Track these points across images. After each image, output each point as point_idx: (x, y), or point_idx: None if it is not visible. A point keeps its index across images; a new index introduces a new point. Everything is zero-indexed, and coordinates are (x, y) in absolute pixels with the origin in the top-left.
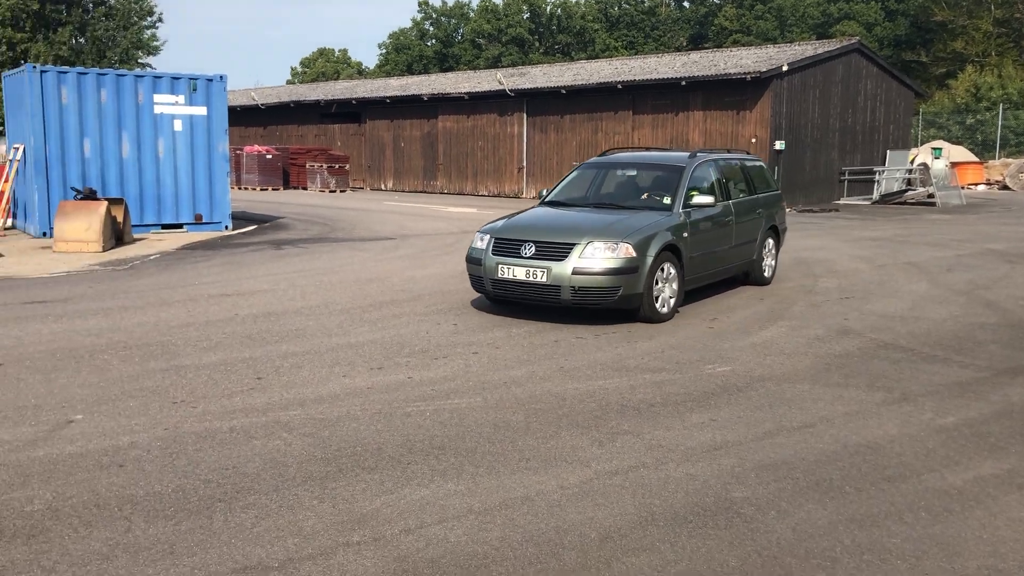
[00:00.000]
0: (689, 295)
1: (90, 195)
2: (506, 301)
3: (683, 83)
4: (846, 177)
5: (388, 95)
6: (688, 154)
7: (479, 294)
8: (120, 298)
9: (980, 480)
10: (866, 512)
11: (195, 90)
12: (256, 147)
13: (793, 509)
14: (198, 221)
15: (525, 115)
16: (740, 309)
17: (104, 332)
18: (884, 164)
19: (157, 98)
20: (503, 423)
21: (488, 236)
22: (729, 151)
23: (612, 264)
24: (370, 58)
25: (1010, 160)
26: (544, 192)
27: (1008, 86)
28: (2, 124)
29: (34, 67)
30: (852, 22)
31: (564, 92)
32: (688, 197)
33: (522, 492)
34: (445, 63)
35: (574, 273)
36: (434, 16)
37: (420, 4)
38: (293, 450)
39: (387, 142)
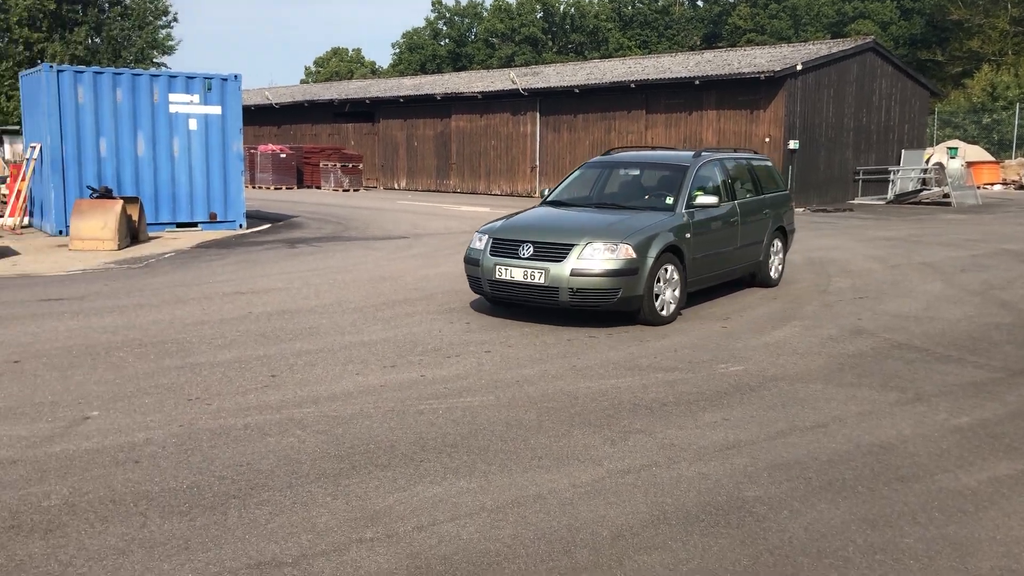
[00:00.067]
0: (700, 295)
1: (106, 194)
2: (504, 303)
3: (696, 82)
4: (860, 177)
5: (401, 94)
6: (692, 153)
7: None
8: (135, 296)
9: (994, 480)
10: (879, 512)
11: (210, 89)
12: (270, 146)
13: (805, 509)
14: (212, 220)
15: (538, 114)
16: (753, 309)
17: (120, 329)
18: (899, 164)
19: (172, 97)
20: (515, 421)
21: (486, 236)
22: (736, 150)
23: (611, 265)
24: (384, 58)
25: None
26: (546, 191)
27: None
28: (19, 123)
29: (51, 67)
30: (867, 21)
31: (577, 91)
32: (692, 197)
33: (534, 490)
34: (458, 63)
35: (572, 274)
36: (447, 16)
37: (434, 4)
38: (307, 447)
39: (400, 141)
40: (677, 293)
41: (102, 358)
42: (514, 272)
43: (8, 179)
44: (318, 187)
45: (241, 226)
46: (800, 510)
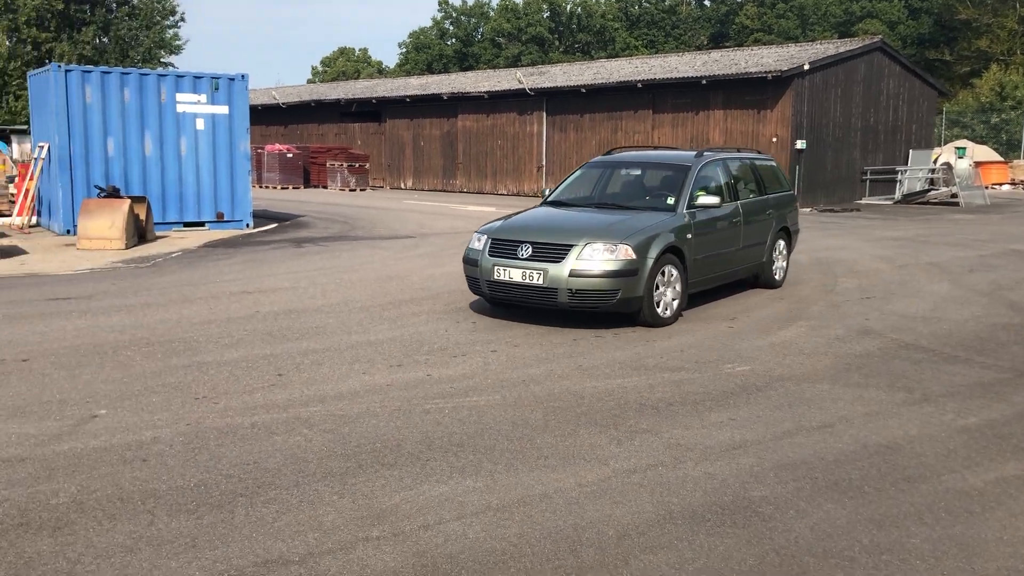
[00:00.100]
0: (705, 296)
1: (113, 193)
2: (503, 304)
3: (703, 82)
4: (868, 177)
5: (408, 94)
6: (694, 153)
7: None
8: (143, 295)
9: (1002, 481)
10: (885, 512)
11: (217, 89)
12: (277, 146)
13: (812, 509)
14: (219, 219)
15: (545, 114)
16: (759, 309)
17: (127, 328)
18: (906, 164)
19: (180, 97)
20: (521, 421)
21: (485, 237)
22: (739, 150)
23: (610, 266)
24: (390, 57)
25: None
26: (546, 191)
27: None
28: (27, 122)
29: (59, 66)
30: (875, 20)
31: (584, 91)
32: (693, 197)
33: (540, 489)
34: (465, 62)
35: (571, 275)
36: (454, 15)
37: (440, 3)
38: (313, 446)
39: (407, 141)
40: (678, 294)
41: (110, 357)
42: (512, 273)
43: (16, 178)
44: (325, 187)
45: (248, 225)
46: (806, 510)
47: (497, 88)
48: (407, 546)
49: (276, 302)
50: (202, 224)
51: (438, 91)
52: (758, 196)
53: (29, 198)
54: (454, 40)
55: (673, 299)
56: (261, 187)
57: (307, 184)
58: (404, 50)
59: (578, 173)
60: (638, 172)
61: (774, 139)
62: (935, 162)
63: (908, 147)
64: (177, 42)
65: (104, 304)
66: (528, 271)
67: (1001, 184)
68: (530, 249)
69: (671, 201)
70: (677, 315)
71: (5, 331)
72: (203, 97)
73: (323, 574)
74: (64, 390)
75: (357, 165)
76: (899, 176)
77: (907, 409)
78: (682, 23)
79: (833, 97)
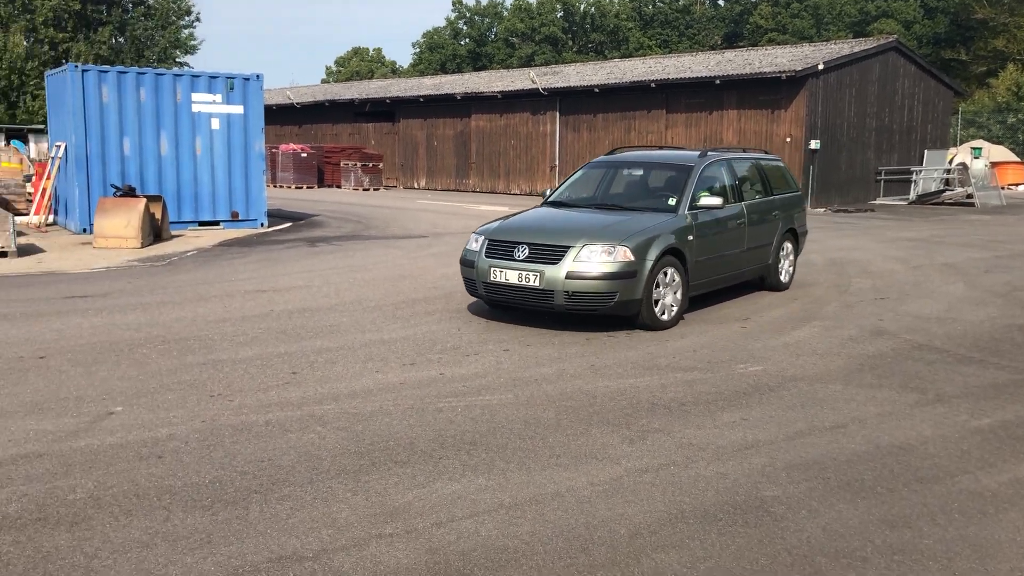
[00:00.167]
0: (717, 297)
1: (129, 192)
2: (500, 306)
3: (717, 82)
4: (882, 177)
5: (421, 94)
6: (698, 153)
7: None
8: (158, 293)
9: (1015, 482)
10: (898, 513)
11: (232, 89)
12: (291, 145)
13: (824, 509)
14: (234, 218)
15: (558, 114)
16: (772, 309)
17: (143, 326)
18: (921, 164)
19: (195, 97)
20: (534, 420)
21: (482, 238)
22: (745, 150)
23: (608, 268)
24: (404, 57)
25: None
26: (547, 192)
27: None
28: (45, 122)
29: (76, 66)
30: (890, 20)
31: (597, 91)
32: (695, 198)
33: (552, 488)
34: (478, 62)
35: (568, 277)
36: (468, 15)
37: (454, 3)
38: (327, 443)
39: (420, 141)
40: (679, 297)
41: (126, 354)
42: (509, 274)
43: (33, 177)
44: (338, 186)
45: (262, 225)
46: (818, 510)
47: (510, 88)
48: (420, 543)
49: (290, 301)
50: (217, 223)
51: (451, 91)
52: (764, 197)
53: (46, 197)
54: (468, 40)
55: (673, 302)
56: (275, 186)
57: (321, 184)
58: (418, 50)
59: (579, 173)
60: (640, 172)
61: (788, 139)
62: (950, 162)
63: (923, 147)
64: (192, 42)
65: (120, 302)
66: (524, 273)
67: (1017, 184)
68: (527, 250)
69: (672, 202)
70: (678, 318)
71: (23, 328)
72: (218, 97)
73: (337, 570)
74: (81, 387)
75: (371, 165)
76: (914, 176)
77: (920, 410)
78: (696, 23)
79: (848, 97)
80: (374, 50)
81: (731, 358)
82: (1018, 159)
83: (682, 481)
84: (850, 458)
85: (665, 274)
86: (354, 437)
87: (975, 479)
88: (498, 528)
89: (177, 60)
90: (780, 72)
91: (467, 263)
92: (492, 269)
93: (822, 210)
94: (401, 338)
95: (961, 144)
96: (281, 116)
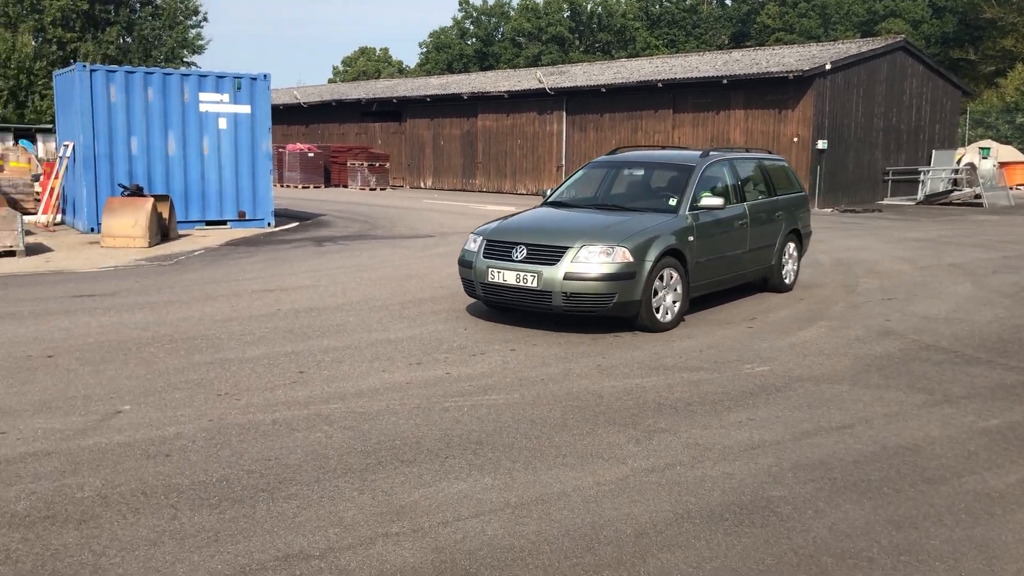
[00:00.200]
0: (723, 298)
1: (137, 192)
2: (498, 307)
3: (724, 81)
4: (890, 177)
5: (428, 94)
6: (700, 153)
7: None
8: (166, 292)
9: (1023, 483)
10: (904, 513)
11: (239, 89)
12: (298, 145)
13: (830, 509)
14: (241, 218)
15: (564, 114)
16: (779, 309)
17: (150, 325)
18: (929, 164)
19: (202, 96)
20: (540, 419)
21: (480, 238)
22: (748, 150)
23: (607, 269)
24: (411, 57)
25: None
26: (547, 192)
27: None
28: (53, 121)
29: (84, 66)
30: (898, 19)
31: (604, 90)
32: (696, 198)
33: (558, 487)
34: (485, 62)
35: (566, 278)
36: (474, 15)
37: (461, 3)
38: (334, 442)
39: (427, 140)
40: (679, 298)
41: (133, 353)
42: (507, 275)
43: (41, 177)
44: (345, 186)
45: (269, 224)
46: (825, 510)
47: (517, 88)
48: (426, 542)
49: (297, 300)
50: (224, 223)
51: (458, 91)
52: (767, 197)
53: (54, 196)
54: (474, 40)
55: (674, 303)
56: (282, 186)
57: (328, 183)
58: (424, 50)
59: (580, 173)
60: (641, 172)
61: (795, 139)
62: (959, 162)
63: (931, 147)
64: (200, 42)
65: (128, 301)
66: (522, 273)
67: None
68: (524, 251)
69: (673, 202)
70: (678, 320)
71: (31, 327)
72: (226, 97)
73: (343, 569)
74: (89, 386)
75: (377, 164)
76: (922, 176)
77: (927, 410)
78: (703, 22)
79: (855, 97)
80: (381, 50)
81: (738, 358)
82: None
83: (688, 481)
84: (857, 458)
85: (665, 276)
86: (361, 436)
87: (982, 480)
88: (504, 527)
89: (184, 60)
90: (787, 72)
91: (465, 264)
92: (490, 270)
93: (829, 210)
94: (407, 337)
95: (969, 144)
96: (288, 116)
